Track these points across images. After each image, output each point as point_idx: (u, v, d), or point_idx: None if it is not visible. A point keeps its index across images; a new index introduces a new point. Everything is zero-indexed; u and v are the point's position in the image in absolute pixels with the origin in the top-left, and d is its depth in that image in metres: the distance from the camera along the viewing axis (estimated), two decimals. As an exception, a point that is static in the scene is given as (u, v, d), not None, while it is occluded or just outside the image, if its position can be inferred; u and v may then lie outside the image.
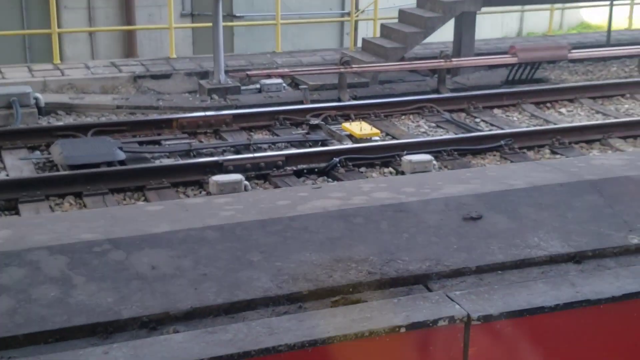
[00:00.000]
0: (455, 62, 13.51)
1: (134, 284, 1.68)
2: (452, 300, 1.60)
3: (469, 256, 1.83)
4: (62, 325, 1.48)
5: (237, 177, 8.51)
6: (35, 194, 8.41)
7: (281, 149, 10.09)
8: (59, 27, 14.52)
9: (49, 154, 9.66)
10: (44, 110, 11.45)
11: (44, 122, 11.21)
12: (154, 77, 13.38)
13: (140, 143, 10.28)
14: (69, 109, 11.76)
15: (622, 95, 13.09)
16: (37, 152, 9.88)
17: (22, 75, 12.90)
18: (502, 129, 11.11)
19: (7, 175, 9.16)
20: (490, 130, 11.19)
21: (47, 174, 9.10)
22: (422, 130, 11.32)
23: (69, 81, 12.80)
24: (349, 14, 17.34)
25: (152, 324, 1.54)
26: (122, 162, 9.32)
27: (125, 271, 1.71)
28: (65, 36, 15.95)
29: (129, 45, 17.15)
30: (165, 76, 13.43)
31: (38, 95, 11.51)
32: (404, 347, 1.49)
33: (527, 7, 18.87)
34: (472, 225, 1.94)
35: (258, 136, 10.81)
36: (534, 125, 11.54)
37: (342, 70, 12.67)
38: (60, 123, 11.15)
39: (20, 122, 10.79)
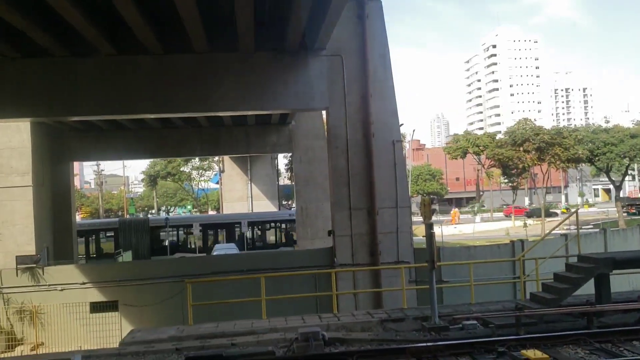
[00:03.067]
0: (599, 307, 12.26)
1: None
2: None
3: None
4: None
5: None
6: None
7: (479, 369, 9.41)
8: (337, 290, 15.11)
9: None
10: (327, 342, 11.62)
11: (326, 350, 11.32)
12: (394, 320, 13.26)
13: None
14: (342, 341, 11.86)
15: None
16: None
17: (314, 320, 13.33)
18: (642, 355, 9.65)
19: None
20: (633, 356, 9.74)
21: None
22: (580, 356, 10.08)
23: (342, 324, 13.02)
24: (519, 277, 16.65)
25: None
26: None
27: None
28: (340, 295, 16.52)
29: (376, 300, 17.40)
30: (400, 320, 13.26)
31: (324, 333, 11.77)
32: None
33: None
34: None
35: (463, 360, 10.18)
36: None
37: (518, 314, 11.93)
38: (336, 351, 11.19)
39: (313, 350, 11.00)
